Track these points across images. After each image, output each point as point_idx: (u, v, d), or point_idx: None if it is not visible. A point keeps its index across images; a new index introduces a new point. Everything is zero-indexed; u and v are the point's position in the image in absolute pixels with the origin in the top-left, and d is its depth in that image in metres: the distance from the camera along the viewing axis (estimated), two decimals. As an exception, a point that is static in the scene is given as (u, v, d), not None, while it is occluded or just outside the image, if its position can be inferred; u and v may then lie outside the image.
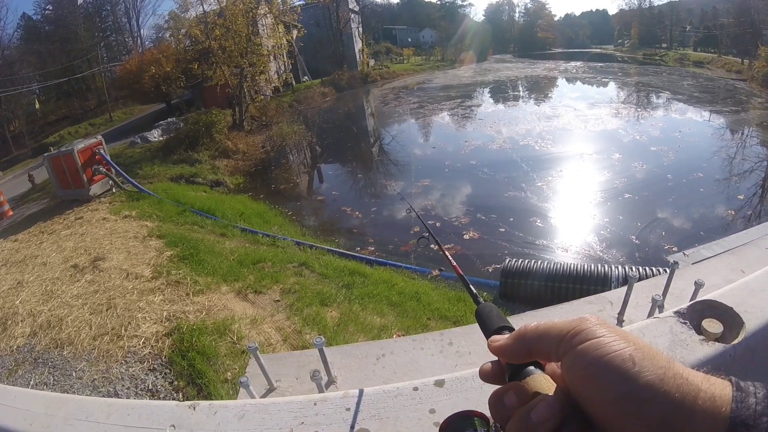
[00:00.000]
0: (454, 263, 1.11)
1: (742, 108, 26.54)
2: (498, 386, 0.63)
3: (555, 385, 0.58)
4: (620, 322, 2.12)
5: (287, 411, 1.11)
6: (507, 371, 0.63)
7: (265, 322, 6.33)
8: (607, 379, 0.51)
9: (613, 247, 10.80)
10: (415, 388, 1.08)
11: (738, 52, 43.64)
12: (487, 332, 0.72)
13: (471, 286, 0.93)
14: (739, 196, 13.37)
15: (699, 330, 1.02)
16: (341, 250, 10.61)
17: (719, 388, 0.50)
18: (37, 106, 40.00)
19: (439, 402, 1.04)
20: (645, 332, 1.03)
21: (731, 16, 47.58)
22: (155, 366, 5.45)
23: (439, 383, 1.08)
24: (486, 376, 0.66)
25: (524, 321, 2.14)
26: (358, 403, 1.08)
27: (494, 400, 0.59)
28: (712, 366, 0.96)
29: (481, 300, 0.84)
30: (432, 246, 1.32)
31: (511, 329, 0.70)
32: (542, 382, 0.58)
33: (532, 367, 0.61)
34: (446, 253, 1.21)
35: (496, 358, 0.66)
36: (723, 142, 19.70)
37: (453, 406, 1.02)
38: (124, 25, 47.67)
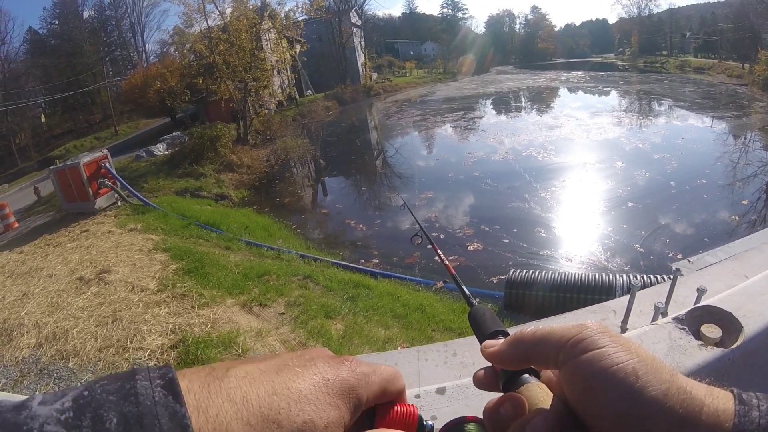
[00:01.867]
0: (447, 262, 1.11)
1: (743, 113, 26.56)
2: (494, 393, 0.61)
3: (551, 395, 0.56)
4: (623, 330, 2.12)
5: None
6: (501, 378, 0.61)
7: (270, 334, 6.32)
8: (610, 394, 0.48)
9: (618, 256, 10.76)
10: (417, 396, 1.09)
11: (738, 56, 43.79)
12: (481, 336, 0.70)
13: (464, 287, 0.91)
14: (743, 201, 13.33)
15: (698, 335, 1.03)
16: (346, 263, 10.57)
17: (722, 402, 0.48)
18: (43, 119, 40.31)
19: (440, 409, 1.05)
20: (643, 339, 1.04)
21: (730, 22, 47.78)
22: (161, 379, 5.44)
23: (441, 391, 1.09)
24: (480, 382, 0.64)
25: (526, 330, 2.14)
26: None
27: (490, 412, 0.57)
28: (711, 370, 0.97)
29: (475, 302, 0.81)
30: (428, 246, 1.31)
31: (505, 334, 0.68)
32: (538, 392, 0.56)
33: (527, 375, 0.58)
34: (439, 251, 1.20)
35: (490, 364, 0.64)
36: (726, 147, 19.67)
37: (454, 413, 1.02)
38: (129, 40, 48.25)
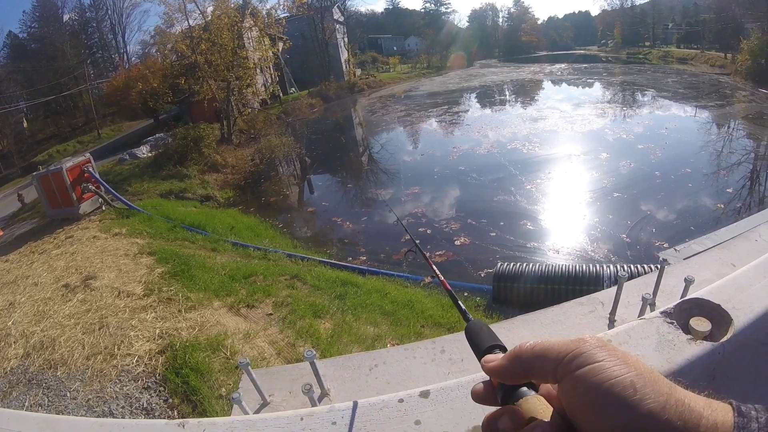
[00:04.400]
0: (442, 278, 1.10)
1: (726, 102, 26.88)
2: (492, 407, 0.62)
3: (550, 408, 0.57)
4: (612, 322, 2.12)
5: (275, 427, 1.10)
6: (499, 392, 0.62)
7: (258, 336, 6.30)
8: (608, 408, 0.49)
9: (605, 247, 10.83)
10: (401, 400, 1.07)
11: (721, 46, 44.16)
12: (478, 351, 0.71)
13: (460, 303, 0.92)
14: (727, 190, 13.48)
15: (687, 329, 1.01)
16: (333, 261, 10.59)
17: (721, 414, 0.49)
18: (25, 124, 39.87)
19: (424, 413, 1.03)
20: (631, 334, 1.02)
21: (712, 12, 48.22)
22: (149, 384, 5.40)
23: (425, 394, 1.07)
24: (478, 396, 0.65)
25: (516, 324, 2.13)
26: (344, 417, 1.07)
27: (488, 425, 0.58)
28: (701, 365, 0.95)
29: (471, 317, 0.82)
30: (426, 251, 1.30)
31: (502, 348, 0.69)
32: (536, 404, 0.57)
33: (525, 389, 0.59)
34: (434, 267, 1.20)
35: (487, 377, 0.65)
36: (710, 136, 19.94)
37: (438, 416, 1.01)
38: (110, 42, 47.78)
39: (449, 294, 0.99)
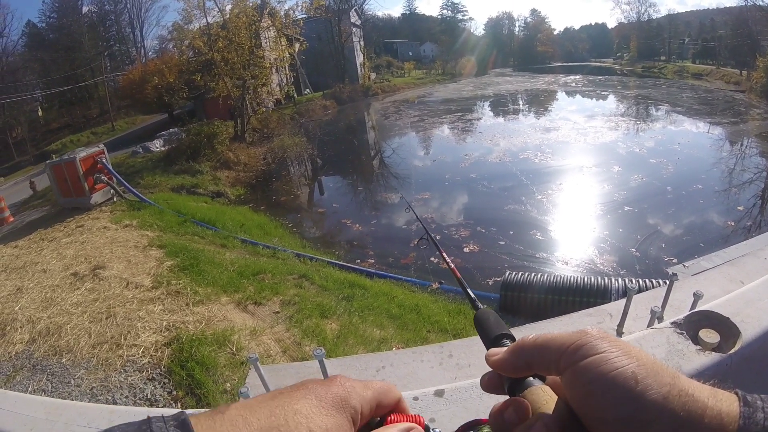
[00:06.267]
0: (452, 266, 1.11)
1: (740, 119, 26.67)
2: (500, 396, 0.62)
3: (555, 398, 0.56)
4: (620, 333, 2.12)
5: (288, 419, 1.11)
6: (506, 382, 0.62)
7: (265, 333, 6.31)
8: (610, 399, 0.49)
9: (613, 260, 10.76)
10: (416, 398, 1.09)
11: (736, 63, 43.93)
12: (486, 340, 0.71)
13: (469, 290, 0.92)
14: (738, 207, 13.37)
15: (696, 340, 1.03)
16: (341, 263, 10.57)
17: (726, 404, 0.49)
18: (40, 113, 40.08)
19: (439, 411, 1.04)
20: (642, 343, 1.03)
21: (729, 28, 48.00)
22: (154, 375, 5.42)
23: (439, 393, 1.08)
24: (486, 386, 0.64)
25: (524, 334, 2.13)
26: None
27: (495, 417, 0.58)
28: (709, 375, 0.97)
29: (480, 305, 0.81)
30: (433, 257, 1.30)
31: (510, 337, 0.69)
32: (541, 395, 0.56)
33: (531, 378, 0.59)
34: (444, 254, 1.20)
35: None
36: (722, 153, 19.78)
37: (452, 415, 1.02)
38: (127, 35, 48.05)
39: (459, 282, 0.99)
